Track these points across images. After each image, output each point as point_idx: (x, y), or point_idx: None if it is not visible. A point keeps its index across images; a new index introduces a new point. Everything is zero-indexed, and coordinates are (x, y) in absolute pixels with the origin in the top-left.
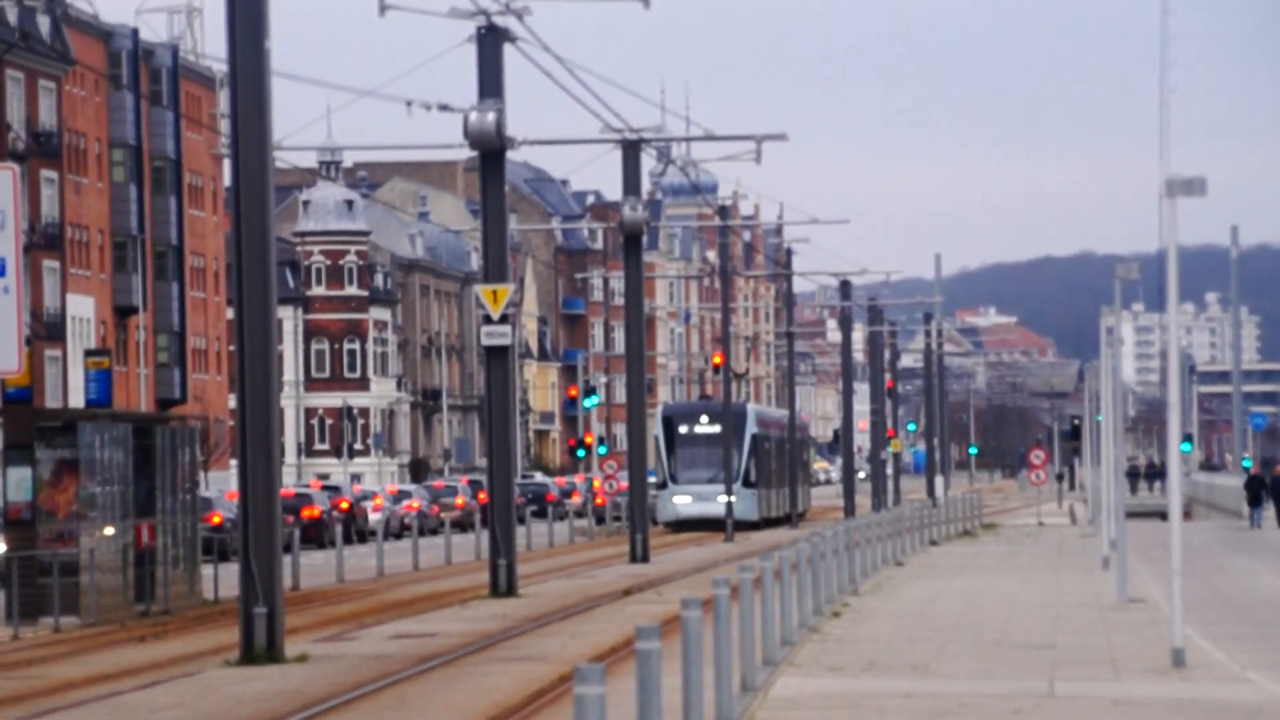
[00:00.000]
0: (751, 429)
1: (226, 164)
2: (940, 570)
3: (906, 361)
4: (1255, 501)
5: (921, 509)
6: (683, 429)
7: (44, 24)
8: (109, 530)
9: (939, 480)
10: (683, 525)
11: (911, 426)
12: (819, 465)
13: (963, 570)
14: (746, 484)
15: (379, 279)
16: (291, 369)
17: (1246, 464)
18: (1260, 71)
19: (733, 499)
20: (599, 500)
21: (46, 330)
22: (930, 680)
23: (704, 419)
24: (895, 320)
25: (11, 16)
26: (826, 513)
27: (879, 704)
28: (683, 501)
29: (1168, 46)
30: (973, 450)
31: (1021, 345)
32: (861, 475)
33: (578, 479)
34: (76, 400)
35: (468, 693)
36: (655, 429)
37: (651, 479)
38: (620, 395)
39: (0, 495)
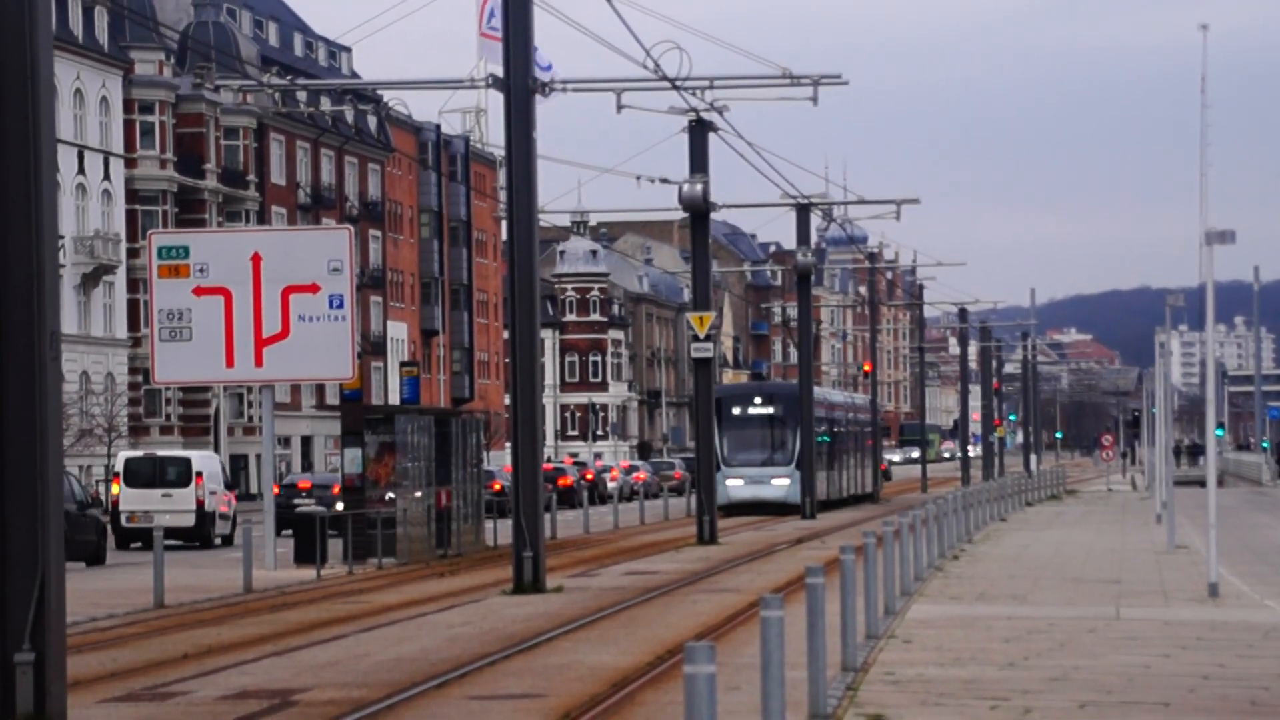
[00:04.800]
0: None
1: (504, 224)
2: (1034, 524)
3: (1009, 369)
4: None
5: (1020, 479)
6: (735, 411)
7: (372, 122)
8: (417, 494)
9: (1033, 457)
10: (734, 509)
11: (1013, 416)
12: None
13: (1051, 525)
14: (799, 467)
15: (615, 308)
16: (551, 375)
17: (1265, 445)
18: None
19: (786, 482)
20: None
21: (372, 348)
22: (1026, 606)
23: (757, 400)
24: (1000, 337)
25: (349, 117)
26: (936, 486)
27: (988, 624)
28: (735, 485)
29: (1206, 130)
30: (1058, 435)
31: (1095, 356)
32: (975, 454)
33: None
34: (394, 399)
35: (681, 614)
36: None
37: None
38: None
39: (340, 468)
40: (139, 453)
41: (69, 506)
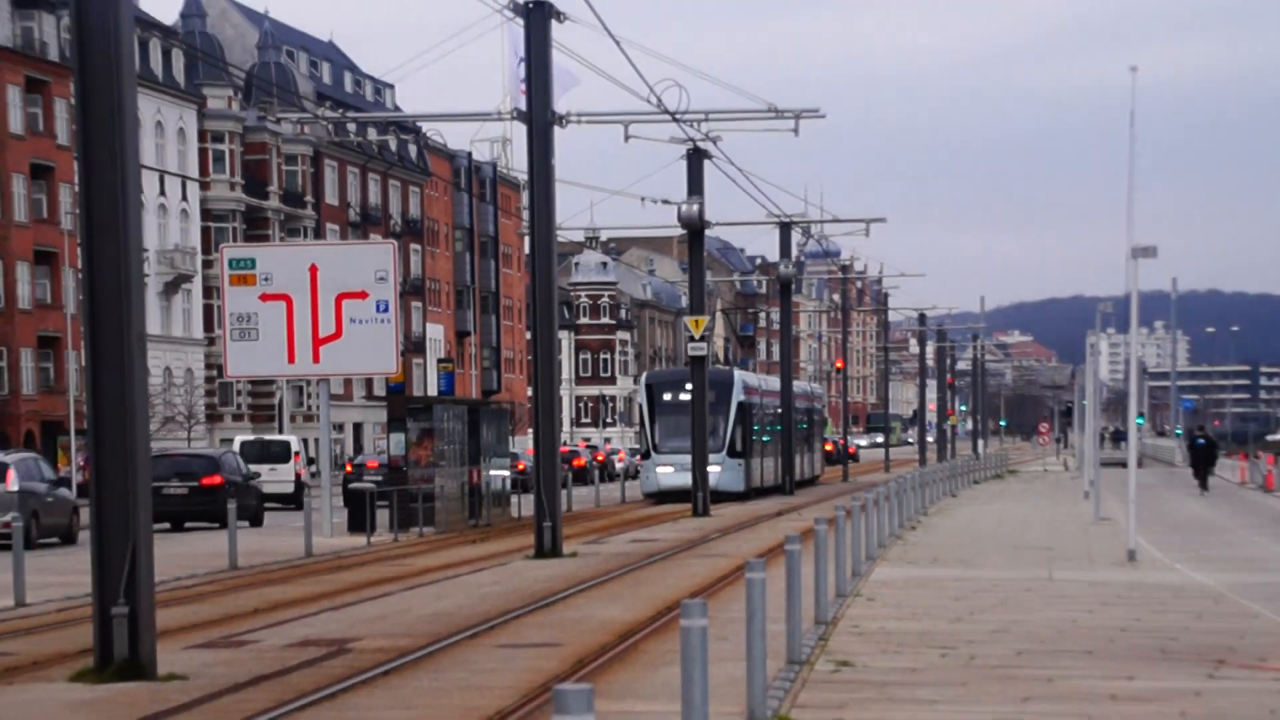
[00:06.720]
0: (738, 397)
1: (526, 239)
2: (980, 500)
3: (960, 365)
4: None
5: (968, 461)
6: (665, 397)
7: (413, 150)
8: (449, 477)
9: (980, 442)
10: (665, 496)
11: (963, 406)
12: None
13: (995, 500)
14: (731, 454)
15: (623, 313)
16: (567, 371)
17: (1178, 432)
18: (1197, 170)
19: (717, 469)
20: None
21: (413, 347)
22: (973, 569)
23: (688, 386)
24: (953, 339)
25: (393, 145)
26: (897, 467)
27: (940, 584)
28: (665, 472)
29: (1134, 159)
30: (1003, 422)
31: (1035, 355)
32: (931, 439)
33: None
34: (432, 391)
35: (678, 576)
36: (639, 398)
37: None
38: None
39: (386, 450)
40: (251, 436)
41: (235, 478)
